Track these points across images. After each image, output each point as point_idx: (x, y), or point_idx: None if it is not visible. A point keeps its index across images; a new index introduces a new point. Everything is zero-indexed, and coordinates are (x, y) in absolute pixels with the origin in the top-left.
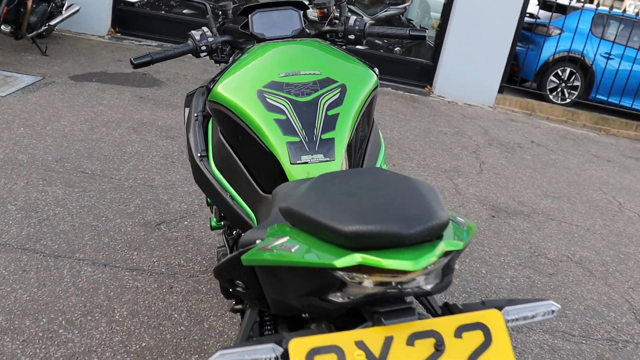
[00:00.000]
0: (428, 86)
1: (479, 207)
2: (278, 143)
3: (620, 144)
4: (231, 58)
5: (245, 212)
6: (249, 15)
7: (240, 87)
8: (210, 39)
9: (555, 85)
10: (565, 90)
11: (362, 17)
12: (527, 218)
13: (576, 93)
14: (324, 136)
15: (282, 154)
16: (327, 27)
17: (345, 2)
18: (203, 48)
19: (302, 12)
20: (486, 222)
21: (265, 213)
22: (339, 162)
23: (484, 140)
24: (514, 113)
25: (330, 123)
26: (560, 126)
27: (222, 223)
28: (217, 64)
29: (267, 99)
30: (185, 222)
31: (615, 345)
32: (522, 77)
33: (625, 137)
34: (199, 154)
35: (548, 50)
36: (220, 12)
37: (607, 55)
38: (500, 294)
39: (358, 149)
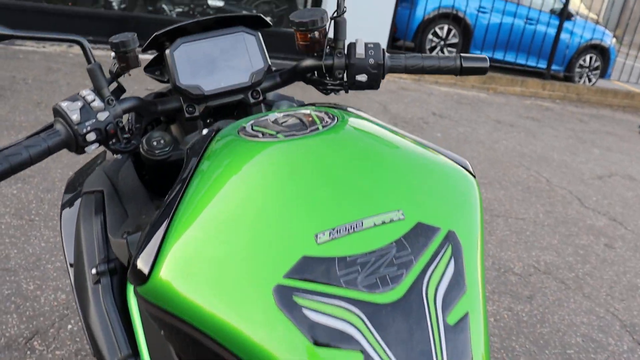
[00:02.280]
0: None
1: None
2: None
3: (512, 103)
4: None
5: None
6: (167, 51)
7: (228, 279)
8: (101, 115)
9: (435, 44)
10: (444, 49)
11: (379, 44)
12: None
13: (455, 50)
14: None
15: None
16: (313, 62)
17: (343, 16)
18: (89, 135)
19: (259, 35)
20: None
21: None
22: None
23: (386, 119)
24: (402, 80)
25: (460, 344)
26: (451, 90)
27: None
28: (116, 154)
29: (304, 310)
30: (70, 326)
31: None
32: (399, 37)
33: (512, 94)
34: None
35: (423, 9)
36: (114, 55)
37: (483, 10)
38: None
39: None
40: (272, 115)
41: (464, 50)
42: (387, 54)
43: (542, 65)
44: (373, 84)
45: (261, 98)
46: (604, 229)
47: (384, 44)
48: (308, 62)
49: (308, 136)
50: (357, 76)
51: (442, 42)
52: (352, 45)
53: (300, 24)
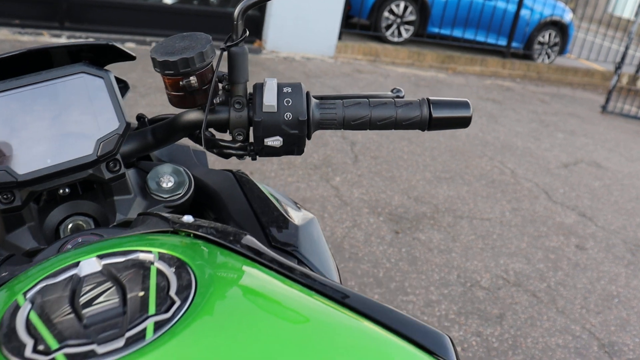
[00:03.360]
0: (258, 41)
1: (375, 220)
2: None
3: (472, 84)
4: None
5: None
6: None
7: None
8: None
9: (391, 22)
10: (401, 27)
11: (300, 85)
12: (435, 224)
13: (412, 29)
14: None
15: None
16: (199, 115)
17: (242, 45)
18: None
19: (109, 77)
20: (392, 245)
21: None
22: None
23: None
24: (357, 61)
25: None
26: (408, 70)
27: None
28: None
29: None
30: None
31: None
32: (353, 14)
33: (472, 73)
34: None
35: None
36: None
37: None
38: None
39: None
40: (83, 268)
41: (421, 28)
42: (313, 101)
43: (502, 42)
44: (293, 148)
45: (122, 171)
46: (573, 227)
47: (336, 23)
48: (192, 114)
49: None
50: (266, 139)
51: (398, 20)
52: (257, 91)
53: (164, 64)
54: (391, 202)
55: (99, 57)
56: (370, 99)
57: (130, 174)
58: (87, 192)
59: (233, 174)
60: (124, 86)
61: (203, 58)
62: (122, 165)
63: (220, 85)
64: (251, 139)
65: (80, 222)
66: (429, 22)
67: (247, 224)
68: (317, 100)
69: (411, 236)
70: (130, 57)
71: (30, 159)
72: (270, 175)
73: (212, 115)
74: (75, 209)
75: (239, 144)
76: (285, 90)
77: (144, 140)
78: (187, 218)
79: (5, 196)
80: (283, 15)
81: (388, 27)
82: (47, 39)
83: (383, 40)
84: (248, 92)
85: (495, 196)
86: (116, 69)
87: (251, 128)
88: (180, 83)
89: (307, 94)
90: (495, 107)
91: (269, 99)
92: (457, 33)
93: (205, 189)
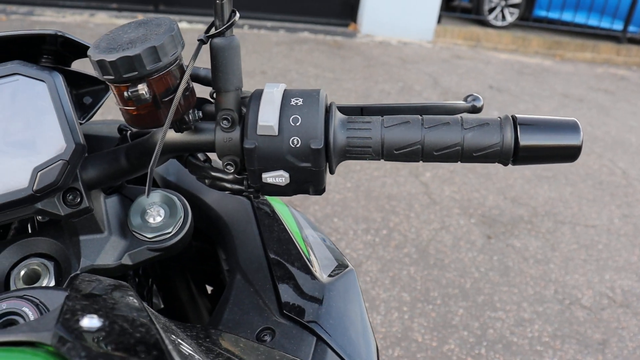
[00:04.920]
0: (353, 24)
1: (466, 222)
2: None
3: (581, 72)
4: None
5: None
6: None
7: None
8: None
9: (494, 4)
10: (505, 9)
11: (317, 94)
12: (532, 230)
13: (517, 12)
14: None
15: None
16: (177, 136)
17: (231, 34)
18: None
19: (56, 81)
20: (483, 251)
21: None
22: None
23: (436, 95)
24: (457, 46)
25: None
26: (511, 57)
27: None
28: None
29: None
30: None
31: None
32: None
33: (581, 60)
34: None
35: None
36: None
37: None
38: None
39: None
40: None
41: (527, 12)
42: (338, 117)
43: (618, 26)
44: (306, 187)
45: (83, 205)
46: None
47: (436, 6)
48: (170, 133)
49: None
50: (265, 175)
51: (502, 2)
52: (251, 104)
53: (100, 66)
54: (485, 203)
55: (61, 51)
56: (424, 116)
57: (110, 204)
58: (48, 226)
59: (251, 201)
60: (103, 88)
61: (157, 56)
62: (84, 198)
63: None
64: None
65: (37, 267)
66: (535, 5)
67: (255, 277)
68: (344, 117)
69: (505, 242)
70: (78, 54)
71: None
72: (355, 169)
73: (194, 135)
74: (34, 249)
75: (233, 176)
76: (293, 102)
77: (116, 164)
78: (90, 322)
79: None
80: None
81: (491, 10)
82: None
83: (485, 24)
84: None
85: (603, 200)
86: None
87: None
88: (125, 94)
89: (329, 106)
90: (607, 98)
91: (267, 117)
92: (566, 16)
93: (216, 221)
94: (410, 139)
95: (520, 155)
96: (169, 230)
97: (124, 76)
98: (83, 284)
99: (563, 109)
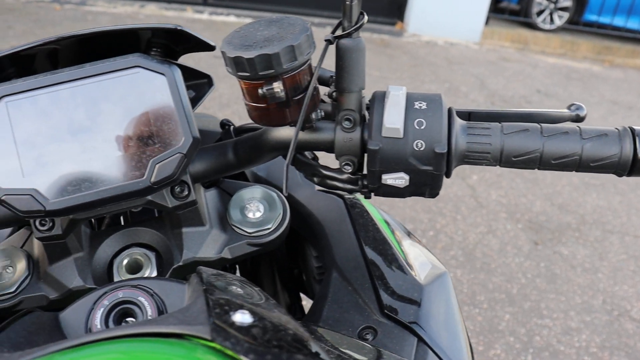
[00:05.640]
0: (400, 23)
1: (513, 227)
2: None
3: (631, 79)
4: None
5: None
6: None
7: None
8: None
9: (543, 7)
10: (554, 13)
11: (439, 98)
12: (580, 238)
13: (566, 15)
14: None
15: None
16: (291, 133)
17: (358, 35)
18: None
19: (175, 74)
20: (530, 257)
21: None
22: None
23: (483, 97)
24: (504, 49)
25: None
26: (559, 61)
27: None
28: None
29: None
30: None
31: None
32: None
33: (632, 67)
34: None
35: None
36: None
37: None
38: None
39: None
40: None
41: (576, 15)
42: (458, 123)
43: None
44: (423, 190)
45: (191, 198)
46: None
47: (484, 7)
48: (285, 131)
49: None
50: (385, 176)
51: (551, 5)
52: (375, 106)
53: (236, 63)
54: (532, 208)
55: (171, 45)
56: (542, 124)
57: (209, 198)
58: (150, 217)
59: (344, 200)
60: (206, 82)
61: (294, 55)
62: (191, 191)
63: (325, 92)
64: (365, 171)
65: (139, 257)
66: (586, 9)
67: (353, 275)
68: (464, 122)
69: (552, 249)
70: (209, 47)
71: (66, 180)
72: None
73: (313, 133)
74: (134, 239)
75: (347, 175)
76: (417, 105)
77: (223, 159)
78: (242, 317)
79: (42, 222)
80: None
81: (540, 12)
82: (190, 14)
83: (533, 26)
84: (364, 104)
85: None
86: (198, 61)
87: (365, 156)
88: (260, 91)
89: (450, 111)
90: None
91: (393, 119)
92: (618, 21)
93: (308, 218)
94: (530, 147)
95: (637, 167)
96: (269, 225)
97: (260, 73)
98: (210, 278)
99: (612, 116)
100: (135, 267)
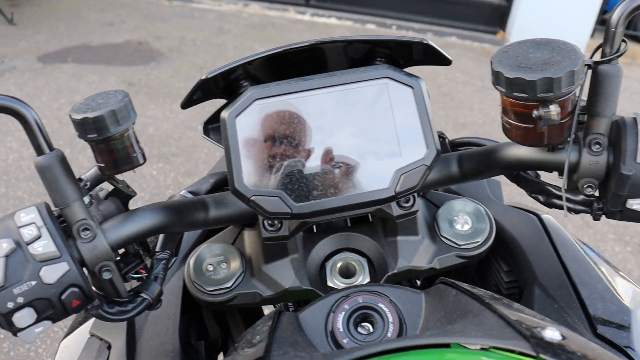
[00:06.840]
0: (502, 32)
1: (622, 249)
2: None
3: None
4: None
5: None
6: (224, 114)
7: None
8: (50, 271)
9: None
10: None
11: None
12: None
13: None
14: None
15: None
16: (530, 153)
17: (617, 62)
18: (20, 315)
19: (420, 87)
20: (639, 283)
21: None
22: None
23: None
24: None
25: None
26: None
27: None
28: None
29: None
30: None
31: None
32: (608, 9)
33: None
34: None
35: None
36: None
37: None
38: None
39: None
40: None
41: None
42: None
43: None
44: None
45: (414, 208)
46: None
47: (591, 19)
48: (518, 150)
49: None
50: (631, 201)
51: None
52: (627, 131)
53: (517, 84)
54: None
55: (394, 56)
56: None
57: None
58: (360, 223)
59: (539, 217)
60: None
61: (572, 80)
62: (416, 201)
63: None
64: (597, 193)
65: (352, 262)
66: None
67: (558, 294)
68: None
69: None
70: (445, 61)
71: (311, 184)
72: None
73: (548, 154)
74: (347, 243)
75: (583, 197)
76: None
77: (446, 171)
78: (552, 334)
79: (270, 222)
80: (532, 6)
81: None
82: (293, 15)
83: (637, 39)
84: (608, 128)
85: None
86: None
87: (611, 180)
88: (535, 112)
89: None
90: None
91: None
92: None
93: (500, 232)
94: None
95: None
96: (478, 239)
97: (539, 96)
98: (440, 291)
99: None
100: (346, 272)
